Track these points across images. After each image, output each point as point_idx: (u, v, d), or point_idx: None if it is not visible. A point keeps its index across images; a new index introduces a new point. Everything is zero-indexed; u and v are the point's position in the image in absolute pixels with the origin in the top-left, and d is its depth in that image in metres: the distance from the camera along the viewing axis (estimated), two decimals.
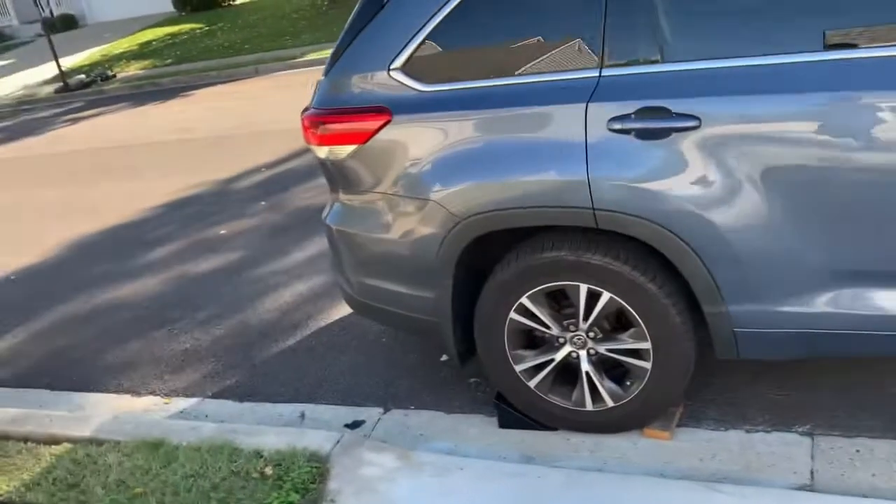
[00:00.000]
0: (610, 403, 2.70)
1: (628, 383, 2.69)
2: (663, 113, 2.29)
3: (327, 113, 2.80)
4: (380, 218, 2.83)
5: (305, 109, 2.94)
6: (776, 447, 2.60)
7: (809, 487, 2.41)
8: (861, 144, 2.13)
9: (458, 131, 2.53)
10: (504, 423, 2.95)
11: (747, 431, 2.71)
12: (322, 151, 2.86)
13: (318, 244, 4.98)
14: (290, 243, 5.21)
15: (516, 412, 2.91)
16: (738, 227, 2.29)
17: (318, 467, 2.74)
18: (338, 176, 2.89)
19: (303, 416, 3.31)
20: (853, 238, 2.22)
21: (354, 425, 3.18)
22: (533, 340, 2.80)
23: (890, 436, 2.56)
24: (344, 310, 3.98)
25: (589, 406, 2.74)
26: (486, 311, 2.71)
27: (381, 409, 3.25)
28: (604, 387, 2.68)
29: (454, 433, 3.00)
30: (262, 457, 2.81)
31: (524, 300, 2.66)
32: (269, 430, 3.02)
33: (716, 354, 2.56)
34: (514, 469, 2.63)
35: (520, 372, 2.79)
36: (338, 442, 2.88)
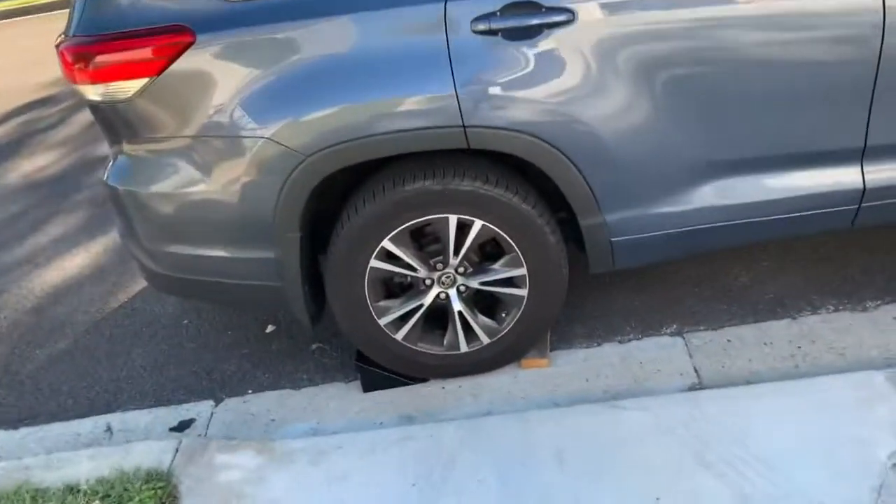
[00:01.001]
0: (486, 340, 2.46)
1: (503, 315, 2.46)
2: (533, 8, 2.03)
3: (99, 40, 2.15)
4: (189, 169, 2.27)
5: (61, 40, 2.24)
6: (654, 352, 2.56)
7: (700, 386, 2.39)
8: (730, 35, 2.05)
9: (290, 48, 2.09)
10: (369, 386, 2.59)
11: (620, 342, 2.64)
12: (94, 92, 2.20)
13: (70, 216, 4.10)
14: (26, 221, 4.23)
15: (382, 370, 2.56)
16: (616, 129, 2.15)
17: (163, 487, 2.19)
18: (120, 122, 2.26)
19: (109, 429, 2.67)
20: (728, 127, 2.20)
21: (182, 427, 2.62)
22: (393, 289, 2.48)
23: (750, 321, 2.63)
24: (124, 293, 3.30)
25: (463, 348, 2.48)
26: (339, 263, 2.34)
27: (210, 402, 2.71)
28: (478, 324, 2.43)
29: (312, 410, 2.58)
30: (80, 491, 2.17)
31: (386, 243, 2.30)
32: (77, 455, 2.37)
33: (590, 269, 2.42)
34: (400, 434, 2.30)
35: (385, 325, 2.44)
36: (177, 451, 2.33)
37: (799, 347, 2.49)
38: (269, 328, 3.05)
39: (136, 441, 2.42)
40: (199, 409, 2.71)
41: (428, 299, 2.45)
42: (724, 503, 1.87)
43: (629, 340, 2.65)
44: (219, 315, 3.13)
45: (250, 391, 2.75)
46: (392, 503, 2.06)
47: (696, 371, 2.46)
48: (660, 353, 2.57)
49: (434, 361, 2.54)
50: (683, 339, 2.62)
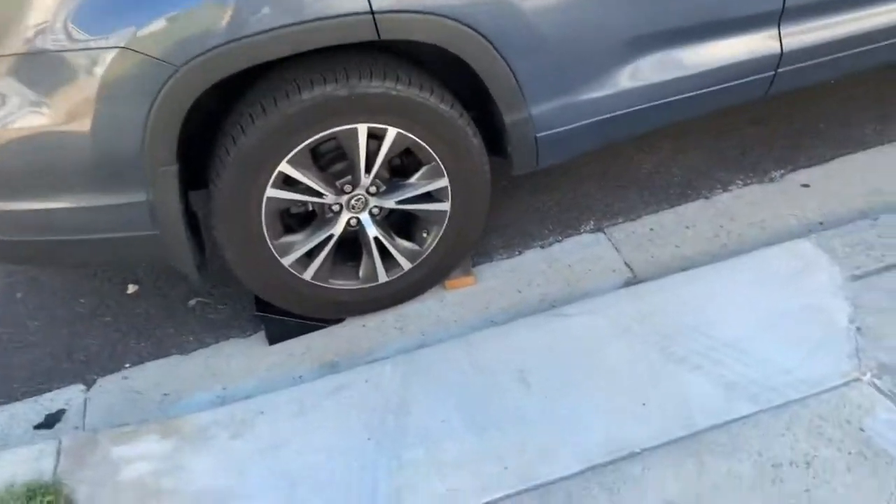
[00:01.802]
0: (407, 266, 2.19)
1: (424, 235, 2.19)
2: None
3: None
4: (16, 100, 1.74)
5: None
6: (579, 252, 2.42)
7: (636, 280, 2.28)
8: None
9: None
10: (276, 337, 2.25)
11: (542, 247, 2.46)
12: None
13: None
14: None
15: (289, 317, 2.21)
16: (540, 7, 1.89)
17: (52, 501, 1.73)
18: None
19: None
20: None
21: (51, 421, 2.15)
22: (292, 222, 2.15)
23: (665, 207, 2.56)
24: None
25: (382, 277, 2.19)
26: (227, 198, 1.98)
27: (80, 387, 2.25)
28: (397, 248, 2.15)
29: (212, 375, 2.21)
30: None
31: (284, 167, 1.94)
32: None
33: (513, 171, 2.19)
34: (329, 384, 2.01)
35: (290, 266, 2.08)
36: (59, 452, 1.87)
37: (721, 226, 2.43)
38: (131, 288, 2.56)
39: (5, 451, 1.90)
40: (66, 397, 2.23)
41: (338, 228, 2.11)
42: (712, 396, 1.76)
43: (550, 244, 2.47)
44: (59, 280, 2.59)
45: (127, 365, 2.30)
46: (347, 465, 1.77)
47: (627, 265, 2.34)
48: (585, 251, 2.42)
49: (350, 298, 2.23)
50: (605, 233, 2.48)
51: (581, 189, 2.69)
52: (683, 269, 2.29)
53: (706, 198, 2.57)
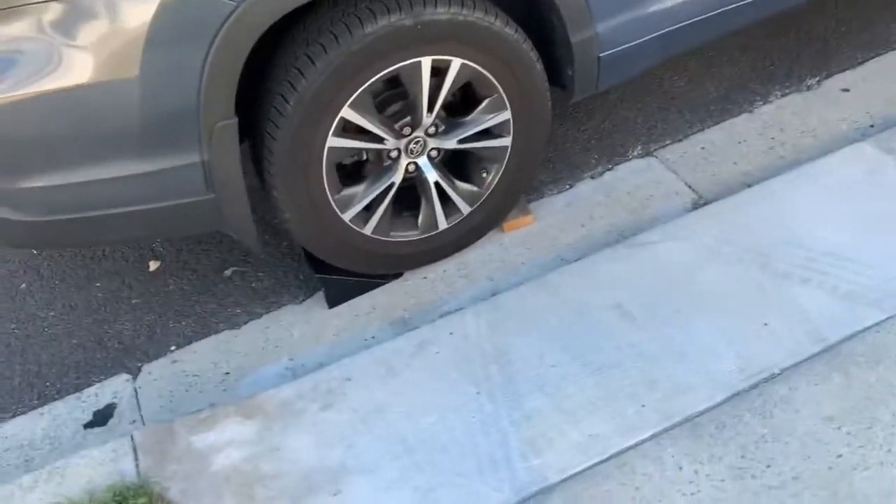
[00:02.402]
0: (466, 210, 2.06)
1: (484, 175, 2.05)
2: None
3: None
4: (52, 55, 1.51)
5: None
6: (634, 179, 2.33)
7: (704, 200, 2.20)
8: None
9: None
10: (336, 298, 2.10)
11: (593, 178, 2.37)
12: None
13: None
14: None
15: (350, 276, 2.05)
16: None
17: (147, 502, 1.56)
18: None
19: None
20: None
21: (102, 418, 1.97)
22: (348, 175, 1.99)
23: (710, 124, 2.50)
24: None
25: (442, 225, 2.06)
26: (286, 152, 1.81)
27: (125, 377, 2.04)
28: (457, 192, 2.02)
29: (274, 347, 2.05)
30: None
31: (346, 111, 1.76)
32: None
33: (574, 96, 2.07)
34: (412, 342, 1.89)
35: (350, 221, 1.92)
36: (135, 450, 1.69)
37: (772, 139, 2.37)
38: (153, 265, 2.35)
39: (70, 457, 1.70)
40: (112, 390, 2.03)
41: (398, 176, 1.95)
42: (832, 307, 1.71)
43: (601, 174, 2.38)
44: (64, 266, 2.35)
45: (173, 347, 2.11)
46: (465, 422, 1.66)
47: (689, 187, 2.26)
48: (640, 177, 2.33)
49: (410, 249, 2.09)
50: (656, 157, 2.40)
51: (617, 115, 2.58)
52: (748, 185, 2.22)
53: (749, 111, 2.50)
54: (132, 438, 1.74)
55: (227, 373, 2.03)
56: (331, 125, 1.80)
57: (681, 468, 1.46)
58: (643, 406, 1.60)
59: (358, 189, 1.96)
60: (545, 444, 1.58)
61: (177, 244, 2.39)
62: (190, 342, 2.13)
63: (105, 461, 1.69)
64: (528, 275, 2.12)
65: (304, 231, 1.94)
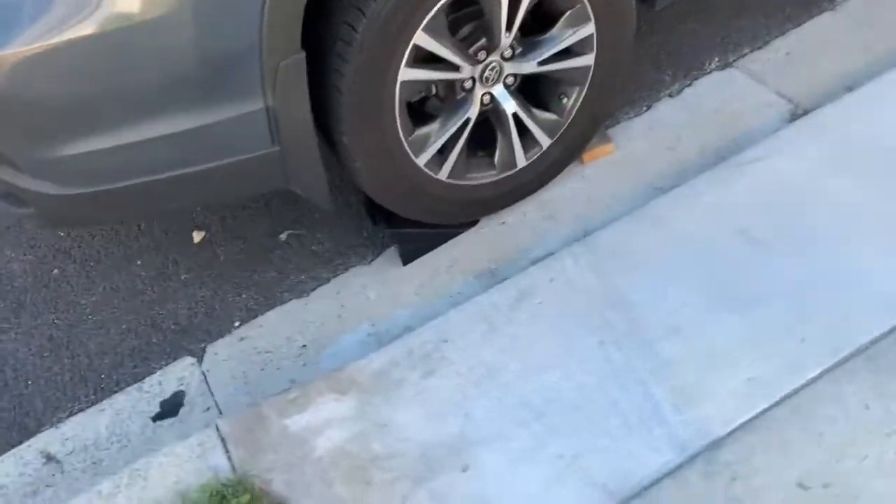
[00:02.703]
0: (546, 143, 1.84)
1: (563, 100, 1.82)
2: None
3: None
4: None
5: None
6: (719, 93, 2.15)
7: (802, 110, 1.99)
8: None
9: None
10: (411, 255, 1.89)
11: (671, 96, 2.14)
12: None
13: None
14: None
15: (423, 228, 1.83)
16: None
17: (251, 499, 1.36)
18: None
19: (52, 458, 1.73)
20: None
21: (172, 408, 1.80)
22: (417, 115, 1.75)
23: (789, 27, 2.26)
24: None
25: (521, 162, 1.83)
26: (358, 89, 1.58)
27: (189, 360, 1.85)
28: (536, 122, 1.80)
29: (351, 313, 1.86)
30: None
31: (419, 37, 1.53)
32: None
33: (658, 3, 1.82)
34: (509, 294, 1.71)
35: (425, 165, 1.69)
36: (223, 440, 1.49)
37: (865, 37, 2.14)
38: (196, 236, 2.12)
39: (150, 456, 1.49)
40: (177, 376, 1.83)
41: (474, 109, 1.73)
42: None
43: (680, 91, 2.16)
44: (96, 246, 2.11)
45: (237, 323, 1.89)
46: (595, 377, 1.49)
47: (782, 96, 2.04)
48: (725, 91, 2.12)
49: (487, 193, 1.87)
50: (736, 68, 2.16)
51: (685, 27, 2.34)
52: (849, 89, 1.99)
53: (832, 9, 2.25)
54: (217, 428, 1.54)
55: (304, 346, 1.82)
56: (403, 54, 1.56)
57: (867, 407, 1.27)
58: (803, 340, 1.41)
59: (432, 128, 1.73)
60: (698, 392, 1.38)
61: (219, 211, 2.16)
62: (255, 316, 1.91)
63: (192, 457, 1.49)
64: (621, 209, 1.90)
65: (374, 181, 1.72)
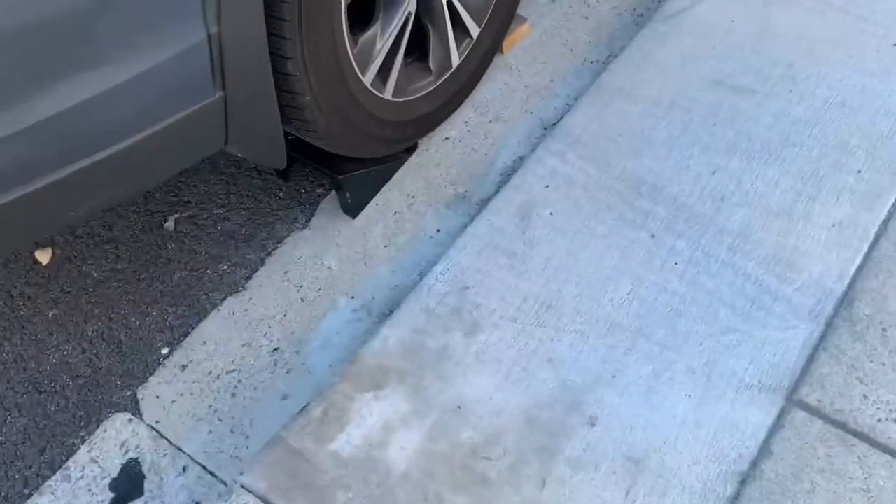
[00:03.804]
0: (476, 31, 1.66)
1: None
2: None
3: None
4: None
5: None
6: None
7: None
8: None
9: None
10: (359, 202, 1.58)
11: None
12: None
13: None
14: None
15: (364, 168, 1.55)
16: None
17: None
18: None
19: None
20: None
21: (129, 487, 1.40)
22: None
23: None
24: None
25: (455, 60, 1.62)
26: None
27: (122, 416, 1.42)
28: (466, 6, 1.56)
29: (314, 296, 1.54)
30: None
31: None
32: None
33: None
34: (506, 218, 1.52)
35: (371, 84, 1.41)
36: (267, 502, 1.15)
37: None
38: (43, 256, 1.61)
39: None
40: (116, 440, 1.43)
41: (412, 3, 1.42)
42: None
43: None
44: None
45: (164, 350, 1.46)
46: (670, 274, 1.34)
47: None
48: None
49: (427, 106, 1.64)
50: None
51: None
52: None
53: None
54: (247, 489, 1.13)
55: (275, 349, 1.43)
56: None
57: None
58: (859, 171, 1.35)
59: (374, 32, 1.38)
60: (792, 255, 1.28)
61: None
62: (186, 334, 1.48)
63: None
64: (567, 91, 1.73)
65: (325, 115, 1.35)
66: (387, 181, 1.63)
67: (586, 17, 1.87)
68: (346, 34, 1.30)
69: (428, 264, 1.50)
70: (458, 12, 1.57)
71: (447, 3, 1.53)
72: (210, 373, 1.43)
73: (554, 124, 1.67)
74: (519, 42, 1.83)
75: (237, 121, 1.18)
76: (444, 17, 1.54)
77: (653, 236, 1.38)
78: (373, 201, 1.61)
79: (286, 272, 1.54)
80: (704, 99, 1.57)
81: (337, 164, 1.52)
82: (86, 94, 0.99)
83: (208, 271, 1.56)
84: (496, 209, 1.50)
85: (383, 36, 1.41)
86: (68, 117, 0.99)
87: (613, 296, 1.32)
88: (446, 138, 1.69)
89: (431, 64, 1.59)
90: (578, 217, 1.44)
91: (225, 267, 1.56)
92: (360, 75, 1.39)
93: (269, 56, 1.14)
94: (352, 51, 1.35)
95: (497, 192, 1.56)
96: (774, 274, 1.28)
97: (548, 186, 1.51)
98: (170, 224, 1.62)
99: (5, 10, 0.87)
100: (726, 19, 1.71)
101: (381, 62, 1.43)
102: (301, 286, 1.52)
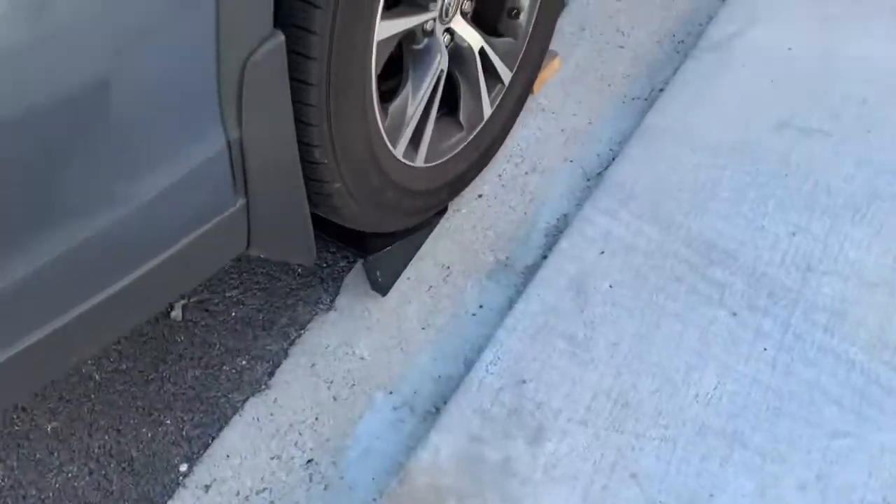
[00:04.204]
0: (508, 76, 1.49)
1: (517, 16, 1.45)
2: None
3: None
4: None
5: None
6: None
7: None
8: None
9: None
10: (389, 279, 1.40)
11: None
12: None
13: None
14: None
15: (392, 240, 1.38)
16: None
17: None
18: None
19: None
20: None
21: None
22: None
23: None
24: None
25: (487, 110, 1.45)
26: (330, 66, 1.02)
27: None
28: (497, 51, 1.39)
29: (345, 392, 1.34)
30: None
31: None
32: None
33: None
34: (558, 292, 1.34)
35: (403, 155, 1.23)
36: None
37: None
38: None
39: None
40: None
41: (444, 55, 1.26)
42: None
43: None
44: None
45: (182, 468, 1.28)
46: (759, 363, 1.18)
47: None
48: None
49: (461, 164, 1.44)
50: None
51: None
52: None
53: None
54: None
55: (310, 460, 1.26)
56: (377, 1, 1.00)
57: None
58: None
59: (404, 98, 1.21)
60: None
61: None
62: (205, 446, 1.31)
63: None
64: (611, 135, 1.55)
65: (357, 200, 1.17)
66: (418, 249, 1.45)
67: (621, 47, 1.69)
68: (377, 107, 1.12)
69: (473, 348, 1.33)
70: (489, 58, 1.38)
71: (479, 51, 1.34)
72: (238, 493, 1.25)
73: (598, 174, 1.49)
74: (550, 79, 1.65)
75: (261, 224, 1.00)
76: (476, 67, 1.36)
77: (734, 314, 1.21)
78: (404, 275, 1.43)
79: (313, 365, 1.36)
80: (771, 144, 1.40)
81: (364, 241, 1.34)
82: (85, 233, 0.80)
83: (225, 367, 1.37)
84: (546, 281, 1.33)
85: (415, 100, 1.23)
86: (71, 257, 0.81)
87: (698, 390, 1.15)
88: (479, 196, 1.51)
89: (462, 118, 1.42)
90: (644, 291, 1.27)
91: (244, 361, 1.38)
92: (391, 148, 1.21)
93: (297, 151, 0.95)
94: (382, 124, 1.16)
95: (544, 258, 1.39)
96: (882, 361, 1.12)
97: (603, 253, 1.34)
98: (177, 312, 1.43)
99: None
100: (782, 47, 1.53)
101: (413, 129, 1.24)
102: (332, 381, 1.34)
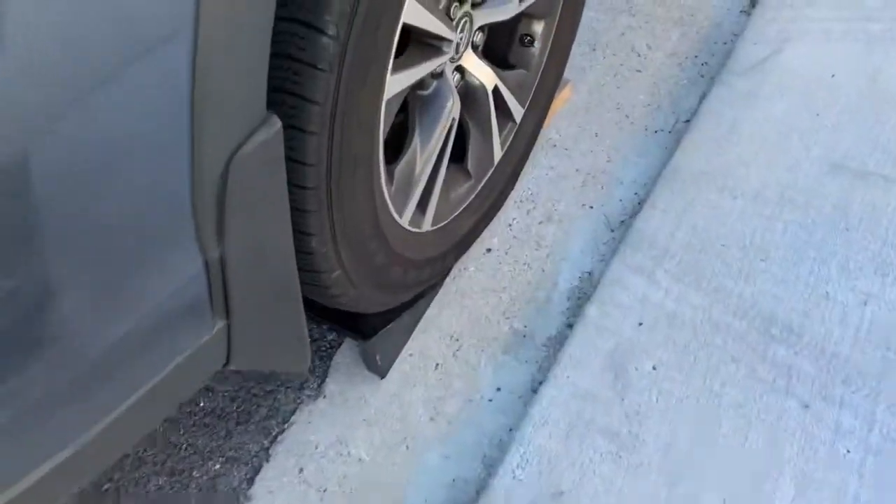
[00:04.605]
0: (520, 113, 1.28)
1: (529, 46, 1.24)
2: None
3: None
4: None
5: None
6: None
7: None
8: None
9: None
10: (389, 358, 1.18)
11: None
12: None
13: None
14: None
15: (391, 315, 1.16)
16: None
17: None
18: None
19: None
20: None
21: None
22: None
23: None
24: None
25: (498, 152, 1.26)
26: (332, 137, 0.80)
27: None
28: (508, 84, 1.19)
29: (358, 499, 1.09)
30: None
31: (411, 5, 0.76)
32: None
33: None
34: (594, 370, 1.12)
35: (409, 223, 1.00)
36: None
37: None
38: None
39: None
40: None
41: (456, 100, 1.02)
42: None
43: None
44: None
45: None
46: (843, 471, 0.97)
47: None
48: None
49: (471, 218, 1.22)
50: None
51: None
52: None
53: None
54: None
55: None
56: (389, 53, 0.77)
57: None
58: None
59: (413, 154, 0.97)
60: None
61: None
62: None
63: None
64: (634, 176, 1.36)
65: (357, 284, 0.93)
66: (419, 319, 1.22)
67: (638, 70, 1.48)
68: (383, 176, 0.88)
69: (492, 444, 1.12)
70: (501, 96, 1.16)
71: (494, 90, 1.12)
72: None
73: (622, 222, 1.29)
74: (561, 108, 1.42)
75: (244, 343, 0.76)
76: (489, 107, 1.14)
77: (806, 407, 1.02)
78: (405, 350, 1.20)
79: (301, 470, 1.13)
80: (824, 190, 1.21)
81: (361, 323, 1.10)
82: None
83: (195, 474, 1.13)
84: (577, 360, 1.12)
85: (423, 155, 1.01)
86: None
87: (766, 500, 0.95)
88: (488, 250, 1.29)
89: (470, 166, 1.19)
90: (695, 375, 1.07)
91: (217, 465, 1.14)
92: (397, 218, 0.98)
93: (295, 264, 0.71)
94: (388, 192, 0.93)
95: (569, 327, 1.17)
96: None
97: (641, 325, 1.13)
98: (179, 441, 1.17)
99: None
100: (824, 73, 1.34)
101: (421, 190, 1.01)
102: (324, 489, 1.11)
